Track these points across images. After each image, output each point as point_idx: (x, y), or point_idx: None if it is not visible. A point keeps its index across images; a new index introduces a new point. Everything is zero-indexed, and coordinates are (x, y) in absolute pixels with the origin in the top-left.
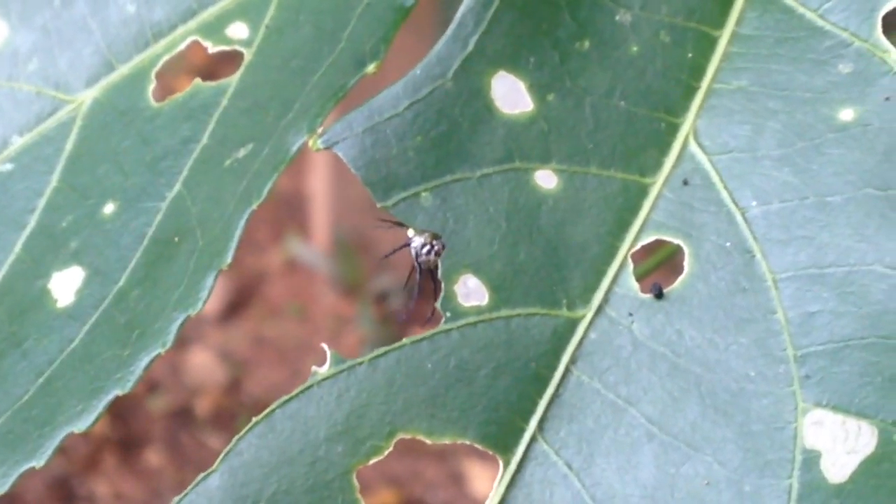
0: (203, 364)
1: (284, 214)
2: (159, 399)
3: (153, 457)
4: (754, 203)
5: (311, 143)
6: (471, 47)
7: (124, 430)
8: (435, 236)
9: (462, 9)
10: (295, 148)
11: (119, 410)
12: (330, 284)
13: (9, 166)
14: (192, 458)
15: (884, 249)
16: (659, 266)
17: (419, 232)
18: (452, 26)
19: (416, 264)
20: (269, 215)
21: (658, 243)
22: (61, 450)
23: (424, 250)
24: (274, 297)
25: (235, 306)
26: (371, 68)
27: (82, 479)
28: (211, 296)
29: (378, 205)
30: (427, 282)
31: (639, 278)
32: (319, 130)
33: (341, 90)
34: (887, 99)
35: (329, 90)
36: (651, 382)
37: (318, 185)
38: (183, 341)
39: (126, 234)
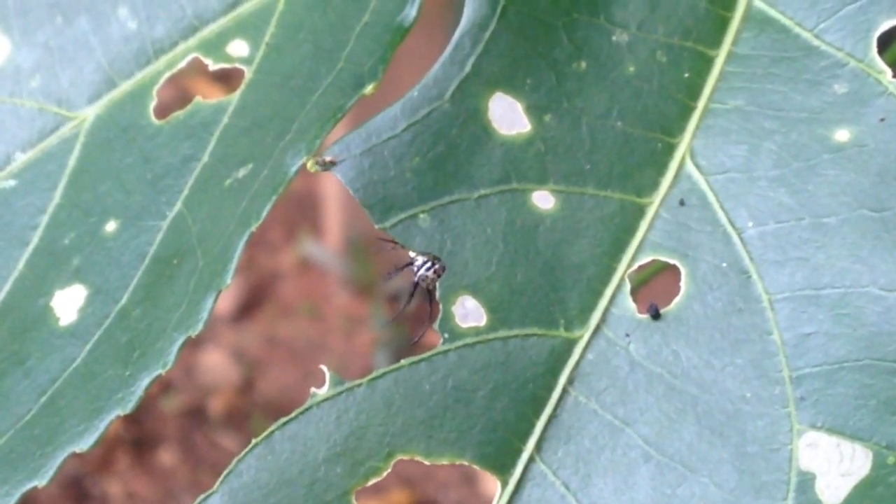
0: (216, 364)
1: (297, 214)
2: (172, 399)
3: (166, 457)
4: (750, 224)
5: (309, 164)
6: (468, 69)
7: (137, 430)
8: (435, 258)
9: (459, 31)
10: (293, 169)
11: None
12: (343, 284)
13: (11, 182)
14: (205, 457)
15: (878, 271)
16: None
17: (420, 253)
18: (450, 48)
19: (415, 285)
20: (282, 215)
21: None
22: None
23: (424, 271)
24: (287, 297)
25: (248, 306)
26: (369, 89)
27: (95, 479)
28: (224, 296)
29: (376, 226)
30: (424, 303)
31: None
32: (317, 152)
33: (339, 111)
34: (882, 120)
35: (328, 111)
36: (648, 403)
37: (331, 186)
38: (196, 341)
39: (127, 253)
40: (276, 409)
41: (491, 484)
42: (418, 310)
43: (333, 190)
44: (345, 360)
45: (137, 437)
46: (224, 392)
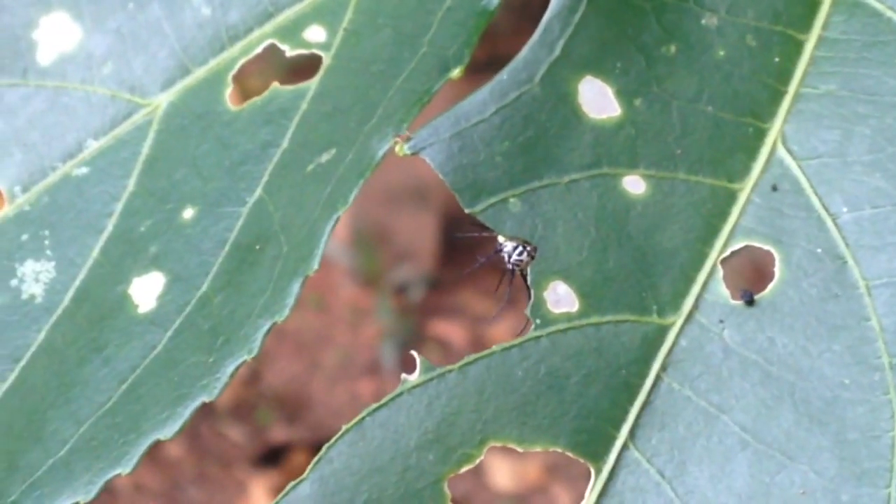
0: None
1: None
2: None
3: (173, 448)
4: (845, 209)
5: (397, 148)
6: (557, 52)
7: None
8: (525, 242)
9: (548, 14)
10: (381, 153)
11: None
12: (349, 276)
13: (84, 170)
14: (211, 449)
15: None
16: None
17: (509, 238)
18: (539, 31)
19: (507, 270)
20: None
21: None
22: None
23: (516, 255)
24: None
25: None
26: (456, 73)
27: None
28: None
29: (466, 210)
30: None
31: None
32: (406, 135)
33: (426, 95)
34: None
35: (413, 95)
36: (743, 390)
37: None
38: None
39: (207, 240)
40: (283, 400)
41: (499, 476)
42: (424, 301)
43: None
44: (351, 351)
45: None
46: (230, 384)
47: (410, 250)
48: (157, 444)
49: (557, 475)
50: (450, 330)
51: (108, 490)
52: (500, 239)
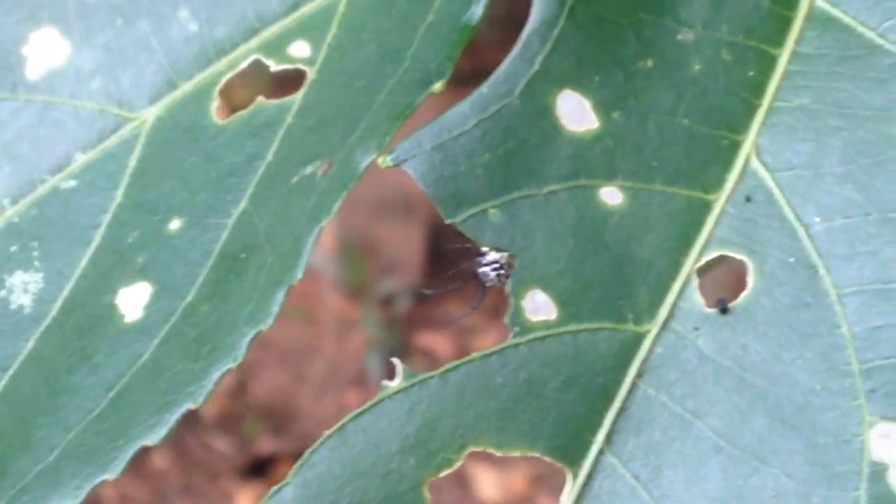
0: None
1: None
2: None
3: (159, 460)
4: (817, 219)
5: (380, 160)
6: (537, 66)
7: None
8: (503, 251)
9: (527, 29)
10: (364, 165)
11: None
12: (334, 287)
13: (72, 183)
14: (197, 460)
15: None
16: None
17: (490, 248)
18: (518, 46)
19: (486, 280)
20: None
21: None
22: None
23: (496, 266)
24: None
25: None
26: (438, 86)
27: None
28: None
29: (446, 221)
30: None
31: None
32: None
33: (408, 108)
34: None
35: (396, 108)
36: (717, 396)
37: None
38: None
39: (193, 250)
40: (269, 411)
41: (485, 487)
42: (411, 312)
43: None
44: (337, 362)
45: None
46: (216, 395)
47: (397, 262)
48: (143, 456)
49: (543, 486)
50: (436, 341)
51: (95, 501)
52: (484, 249)
